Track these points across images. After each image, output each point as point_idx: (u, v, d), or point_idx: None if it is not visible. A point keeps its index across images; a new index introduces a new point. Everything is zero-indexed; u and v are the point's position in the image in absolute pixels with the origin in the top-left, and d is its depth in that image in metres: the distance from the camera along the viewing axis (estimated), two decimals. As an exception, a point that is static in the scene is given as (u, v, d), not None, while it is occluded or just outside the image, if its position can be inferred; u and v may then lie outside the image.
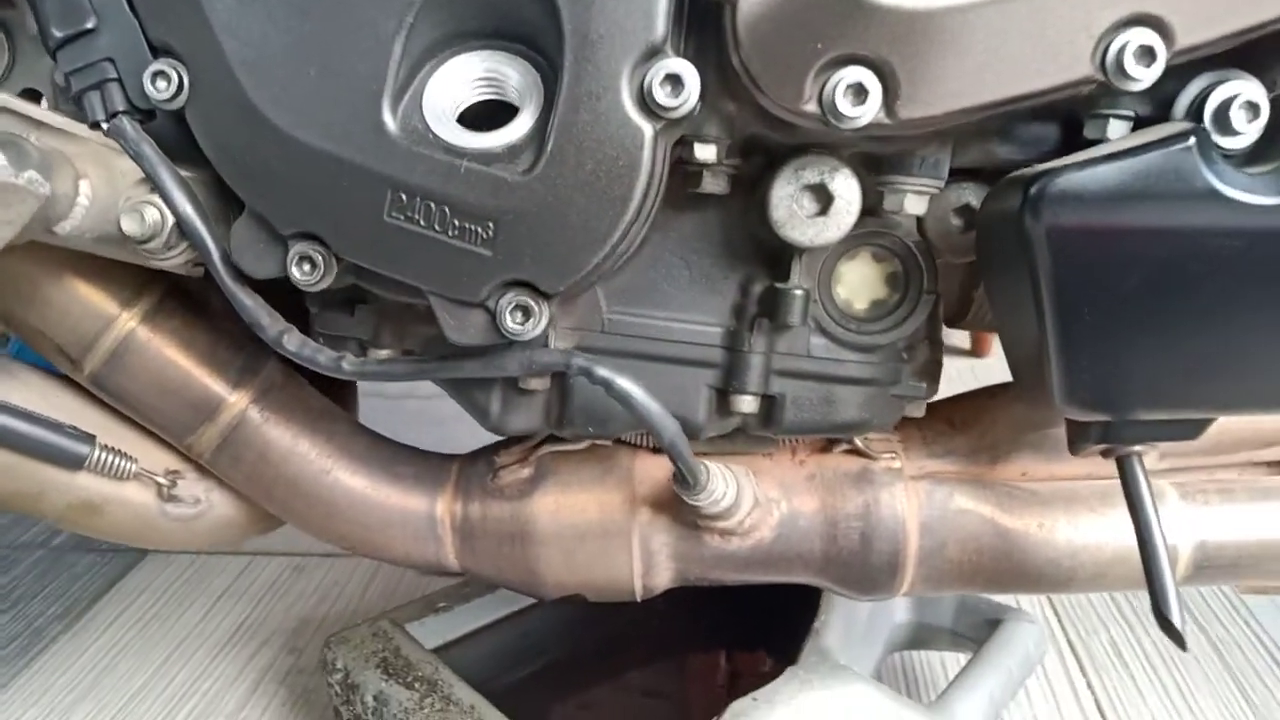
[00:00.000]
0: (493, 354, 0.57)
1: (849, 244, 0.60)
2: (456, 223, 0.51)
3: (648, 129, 0.49)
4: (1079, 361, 0.52)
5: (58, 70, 0.57)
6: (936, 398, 0.68)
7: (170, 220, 0.55)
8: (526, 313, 0.52)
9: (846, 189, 0.55)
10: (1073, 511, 0.68)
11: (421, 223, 0.51)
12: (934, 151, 0.55)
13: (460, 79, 0.52)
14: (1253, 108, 0.49)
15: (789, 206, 0.55)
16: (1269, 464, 0.72)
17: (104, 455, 0.67)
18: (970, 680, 0.84)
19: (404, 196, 0.51)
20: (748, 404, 0.61)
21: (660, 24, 0.48)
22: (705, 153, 0.54)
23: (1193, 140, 0.47)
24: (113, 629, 1.15)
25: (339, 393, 0.78)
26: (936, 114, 0.48)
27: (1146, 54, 0.46)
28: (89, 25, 0.54)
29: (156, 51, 0.54)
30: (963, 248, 0.60)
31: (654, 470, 0.69)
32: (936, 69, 0.47)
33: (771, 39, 0.48)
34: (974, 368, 1.86)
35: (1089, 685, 1.02)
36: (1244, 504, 0.68)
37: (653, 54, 0.48)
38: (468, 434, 0.76)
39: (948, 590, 0.71)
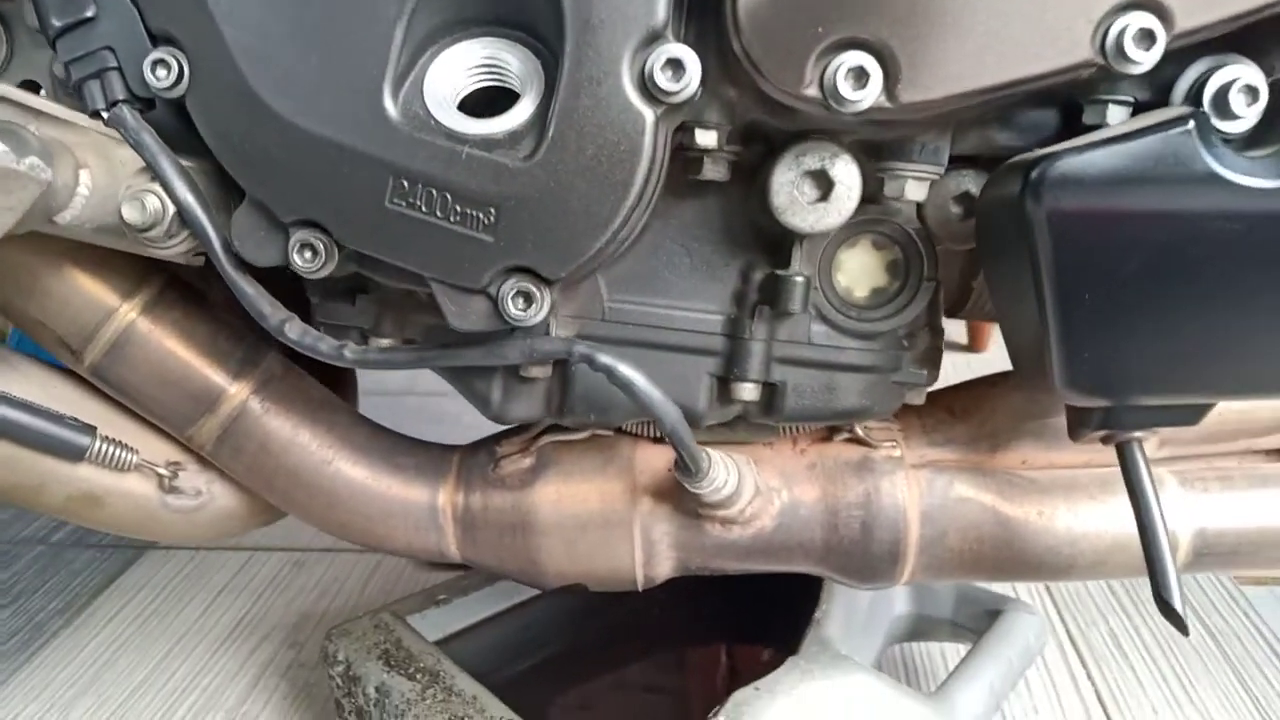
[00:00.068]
0: (494, 341, 0.57)
1: (849, 231, 0.60)
2: (458, 209, 0.51)
3: (649, 114, 0.49)
4: (1079, 346, 0.52)
5: (57, 60, 0.57)
6: (936, 387, 0.68)
7: (171, 209, 0.55)
8: (528, 299, 0.52)
9: (847, 175, 0.55)
10: (1072, 499, 0.68)
11: (423, 209, 0.51)
12: (934, 138, 0.55)
13: (461, 65, 0.52)
14: (1252, 92, 0.50)
15: (790, 192, 0.55)
16: (1268, 452, 0.72)
17: (105, 447, 0.67)
18: (970, 671, 0.84)
19: (405, 183, 0.51)
20: (749, 391, 0.61)
21: (661, 9, 0.48)
22: (706, 139, 0.54)
23: (1192, 124, 0.47)
24: (113, 624, 1.15)
25: (338, 385, 0.78)
26: (937, 98, 0.48)
27: (1146, 37, 0.46)
28: (88, 14, 0.54)
29: (156, 40, 0.54)
30: (962, 235, 0.60)
31: (655, 460, 0.69)
32: (937, 52, 0.48)
33: (772, 23, 0.48)
34: (970, 362, 1.87)
35: (1089, 676, 1.02)
36: (1243, 491, 0.69)
37: (653, 39, 0.48)
38: (466, 432, 0.76)
39: (948, 578, 0.71)
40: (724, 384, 0.62)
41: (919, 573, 0.69)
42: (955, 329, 1.94)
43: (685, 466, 0.61)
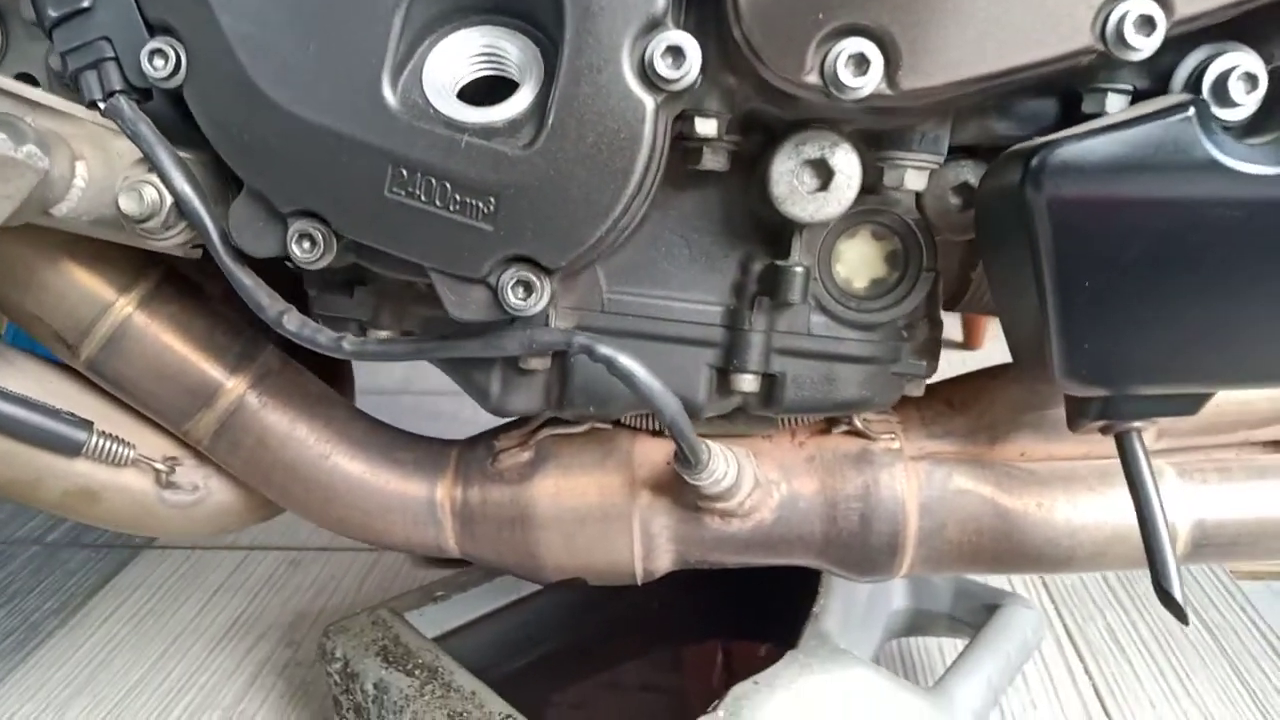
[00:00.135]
0: (493, 333, 0.57)
1: (849, 222, 0.60)
2: (458, 198, 0.50)
3: (649, 101, 0.49)
4: (1079, 335, 0.52)
5: (53, 51, 0.57)
6: (934, 379, 0.68)
7: (168, 200, 0.54)
8: (528, 288, 0.52)
9: (847, 164, 0.55)
10: (1071, 491, 0.68)
11: (422, 198, 0.51)
12: (933, 127, 0.55)
13: (460, 54, 0.52)
14: (1251, 79, 0.50)
15: (790, 182, 0.55)
16: (1265, 443, 0.73)
17: (101, 441, 0.66)
18: (968, 665, 0.84)
19: (404, 172, 0.50)
20: (748, 383, 0.61)
21: (661, -4, 0.48)
22: (706, 127, 0.54)
23: (1192, 111, 0.47)
24: (108, 624, 1.15)
25: (335, 380, 0.77)
26: (937, 84, 0.48)
27: (1146, 23, 0.46)
28: (85, 4, 0.53)
29: (153, 29, 0.53)
30: (961, 226, 0.60)
31: (654, 453, 0.69)
32: (937, 39, 0.48)
33: (772, 10, 0.48)
34: (965, 359, 1.87)
35: (1086, 670, 1.02)
36: (1241, 483, 0.69)
37: (653, 26, 0.48)
38: (463, 429, 0.76)
39: (947, 570, 0.71)
40: (723, 375, 0.62)
41: (918, 565, 0.69)
42: (950, 326, 1.94)
43: (685, 458, 0.61)
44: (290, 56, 0.51)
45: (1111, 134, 0.47)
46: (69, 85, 0.56)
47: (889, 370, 0.63)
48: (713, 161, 0.56)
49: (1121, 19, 0.46)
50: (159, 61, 0.53)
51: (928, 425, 0.71)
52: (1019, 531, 0.67)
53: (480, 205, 0.50)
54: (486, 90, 0.52)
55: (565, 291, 0.60)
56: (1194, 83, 0.51)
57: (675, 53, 0.48)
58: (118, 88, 0.54)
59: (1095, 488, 0.68)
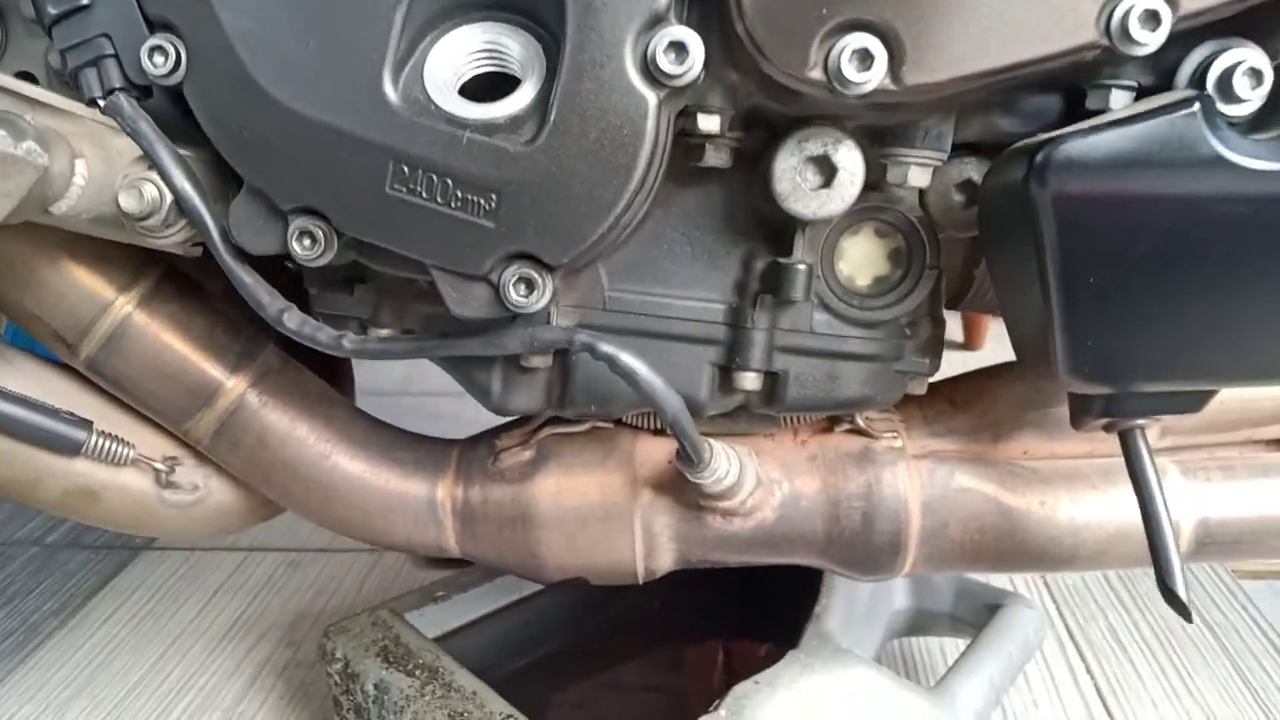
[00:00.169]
0: (494, 331, 0.56)
1: (851, 219, 0.60)
2: (459, 194, 0.50)
3: (651, 97, 0.48)
4: (1083, 332, 0.51)
5: (52, 49, 0.57)
6: (936, 378, 0.68)
7: (168, 197, 0.54)
8: (530, 285, 0.51)
9: (850, 160, 0.55)
10: (1074, 489, 0.68)
11: (424, 195, 0.50)
12: (937, 123, 0.55)
13: (461, 50, 0.51)
14: (1256, 75, 0.49)
15: (792, 179, 0.55)
16: (1269, 442, 0.72)
17: (101, 441, 0.66)
18: (970, 664, 0.83)
19: (406, 169, 0.50)
20: (750, 381, 0.61)
21: (663, -9, 0.48)
22: (709, 124, 0.53)
23: (1197, 107, 0.47)
24: (108, 625, 1.15)
25: (335, 379, 0.77)
26: (941, 80, 0.48)
27: (1151, 18, 0.46)
28: (84, 1, 0.53)
29: (153, 26, 0.53)
30: (965, 223, 0.59)
31: (655, 452, 0.69)
32: (941, 34, 0.47)
33: (775, 5, 0.48)
34: (966, 360, 1.86)
35: (1088, 670, 1.02)
36: (1245, 481, 0.68)
37: (656, 21, 0.48)
38: (464, 429, 0.76)
39: (950, 569, 0.71)
40: (726, 373, 0.62)
41: (920, 564, 0.69)
42: (951, 327, 1.94)
43: (687, 457, 0.60)
44: (290, 53, 0.51)
45: (1116, 130, 0.47)
46: (69, 83, 0.56)
47: (892, 368, 0.63)
48: (715, 158, 0.56)
49: (1126, 14, 0.46)
50: (159, 58, 0.52)
51: (930, 424, 0.70)
52: (1022, 530, 0.67)
53: (482, 202, 0.50)
54: (488, 86, 0.52)
55: (567, 289, 0.60)
56: (1199, 78, 0.51)
57: (678, 48, 0.47)
58: (117, 85, 0.54)
59: (1098, 486, 0.68)
